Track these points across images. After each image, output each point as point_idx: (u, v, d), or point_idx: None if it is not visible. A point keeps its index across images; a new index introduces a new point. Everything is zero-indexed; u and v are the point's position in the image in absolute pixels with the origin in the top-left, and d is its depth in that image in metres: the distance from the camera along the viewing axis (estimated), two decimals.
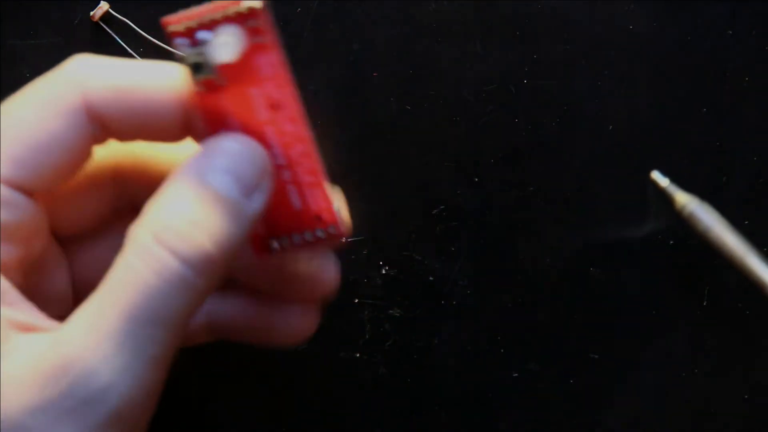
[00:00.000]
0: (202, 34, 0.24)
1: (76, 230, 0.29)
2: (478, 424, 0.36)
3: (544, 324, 0.37)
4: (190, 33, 0.25)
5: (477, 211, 0.37)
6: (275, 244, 0.27)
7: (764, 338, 0.37)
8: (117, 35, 0.36)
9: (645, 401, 0.37)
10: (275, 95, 0.25)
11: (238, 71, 0.25)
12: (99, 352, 0.22)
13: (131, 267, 0.23)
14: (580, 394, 0.36)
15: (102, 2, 0.36)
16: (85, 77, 0.25)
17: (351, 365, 0.36)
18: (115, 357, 0.22)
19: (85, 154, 0.26)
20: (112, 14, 0.36)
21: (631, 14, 0.37)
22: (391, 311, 0.36)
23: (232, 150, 0.25)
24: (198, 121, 0.26)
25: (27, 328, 0.24)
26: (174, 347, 0.23)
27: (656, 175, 0.29)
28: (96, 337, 0.22)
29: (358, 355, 0.36)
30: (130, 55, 0.36)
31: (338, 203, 0.26)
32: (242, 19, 0.24)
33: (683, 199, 0.28)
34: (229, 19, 0.24)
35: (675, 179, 0.36)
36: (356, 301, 0.36)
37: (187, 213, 0.23)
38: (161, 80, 0.26)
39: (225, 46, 0.24)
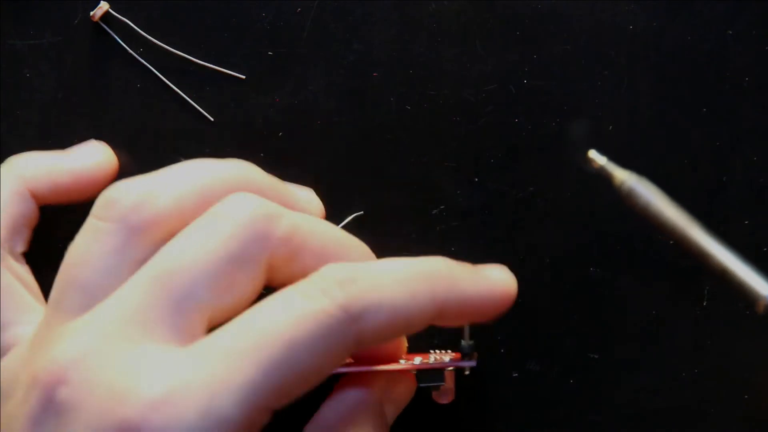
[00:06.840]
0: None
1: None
2: (478, 424, 0.36)
3: (543, 324, 0.37)
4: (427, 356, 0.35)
5: (477, 211, 0.37)
6: None
7: (764, 338, 0.37)
8: (117, 35, 0.36)
9: (645, 401, 0.37)
10: None
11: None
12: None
13: None
14: (580, 394, 0.36)
15: (102, 2, 0.36)
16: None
17: None
18: None
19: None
20: (112, 14, 0.36)
21: (631, 14, 0.37)
22: None
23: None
24: None
25: None
26: None
27: (594, 154, 0.29)
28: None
29: None
30: (130, 55, 0.36)
31: None
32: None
33: (622, 175, 0.27)
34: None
35: (676, 179, 0.36)
36: None
37: None
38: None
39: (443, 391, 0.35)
